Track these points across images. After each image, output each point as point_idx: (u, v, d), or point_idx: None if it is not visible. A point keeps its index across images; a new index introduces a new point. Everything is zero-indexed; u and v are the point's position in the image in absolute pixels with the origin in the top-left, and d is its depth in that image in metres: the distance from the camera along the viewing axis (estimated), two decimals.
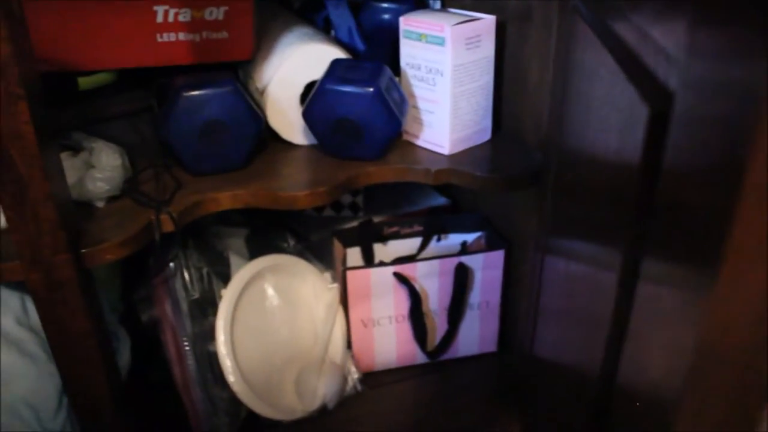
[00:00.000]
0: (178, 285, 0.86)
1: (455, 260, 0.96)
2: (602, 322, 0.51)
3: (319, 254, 1.05)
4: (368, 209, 1.11)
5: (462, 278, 0.97)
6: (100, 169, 0.76)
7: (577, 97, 0.65)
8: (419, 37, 0.86)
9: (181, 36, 0.86)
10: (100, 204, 0.77)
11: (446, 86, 0.85)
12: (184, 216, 0.77)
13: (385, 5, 1.01)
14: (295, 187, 0.80)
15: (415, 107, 0.89)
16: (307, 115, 0.84)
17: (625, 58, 0.49)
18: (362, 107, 0.81)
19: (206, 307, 0.88)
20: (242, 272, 0.90)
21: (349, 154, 0.86)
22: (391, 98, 0.82)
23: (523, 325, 1.00)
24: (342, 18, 1.02)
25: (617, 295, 0.48)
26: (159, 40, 0.86)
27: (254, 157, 0.86)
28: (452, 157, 0.88)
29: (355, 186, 0.86)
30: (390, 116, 0.82)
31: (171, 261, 0.85)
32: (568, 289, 0.73)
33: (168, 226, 0.75)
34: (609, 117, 0.51)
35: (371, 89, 0.80)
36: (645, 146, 0.42)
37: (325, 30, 1.04)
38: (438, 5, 1.07)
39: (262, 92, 0.89)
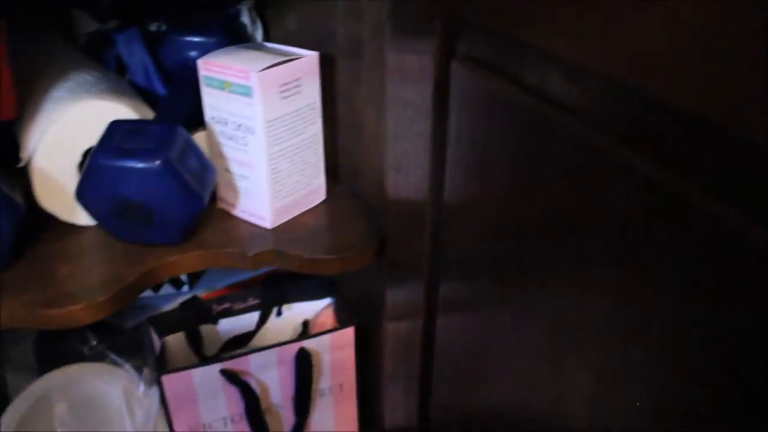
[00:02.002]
0: None
1: (295, 346, 0.79)
2: None
3: (137, 346, 0.86)
4: (194, 282, 0.93)
5: (305, 366, 0.80)
6: None
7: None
8: (222, 86, 0.68)
9: None
10: None
11: (260, 146, 0.68)
12: None
13: (189, 39, 0.82)
14: (70, 297, 0.61)
15: (228, 171, 0.72)
16: (80, 197, 0.65)
17: None
18: (148, 186, 0.62)
19: None
20: (18, 401, 0.70)
21: (143, 240, 0.68)
22: (187, 169, 0.64)
23: (385, 403, 0.85)
24: (136, 56, 0.83)
25: None
26: None
27: (18, 255, 0.67)
28: (276, 231, 0.71)
29: (155, 282, 0.67)
30: (187, 193, 0.64)
31: None
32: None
33: None
34: None
35: (157, 162, 0.62)
36: None
37: (119, 71, 0.85)
38: (260, 34, 0.90)
39: (28, 163, 0.69)
